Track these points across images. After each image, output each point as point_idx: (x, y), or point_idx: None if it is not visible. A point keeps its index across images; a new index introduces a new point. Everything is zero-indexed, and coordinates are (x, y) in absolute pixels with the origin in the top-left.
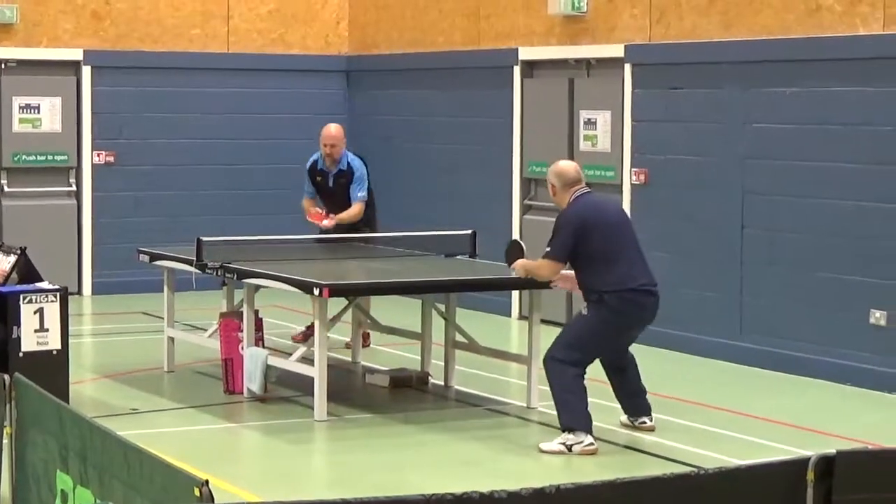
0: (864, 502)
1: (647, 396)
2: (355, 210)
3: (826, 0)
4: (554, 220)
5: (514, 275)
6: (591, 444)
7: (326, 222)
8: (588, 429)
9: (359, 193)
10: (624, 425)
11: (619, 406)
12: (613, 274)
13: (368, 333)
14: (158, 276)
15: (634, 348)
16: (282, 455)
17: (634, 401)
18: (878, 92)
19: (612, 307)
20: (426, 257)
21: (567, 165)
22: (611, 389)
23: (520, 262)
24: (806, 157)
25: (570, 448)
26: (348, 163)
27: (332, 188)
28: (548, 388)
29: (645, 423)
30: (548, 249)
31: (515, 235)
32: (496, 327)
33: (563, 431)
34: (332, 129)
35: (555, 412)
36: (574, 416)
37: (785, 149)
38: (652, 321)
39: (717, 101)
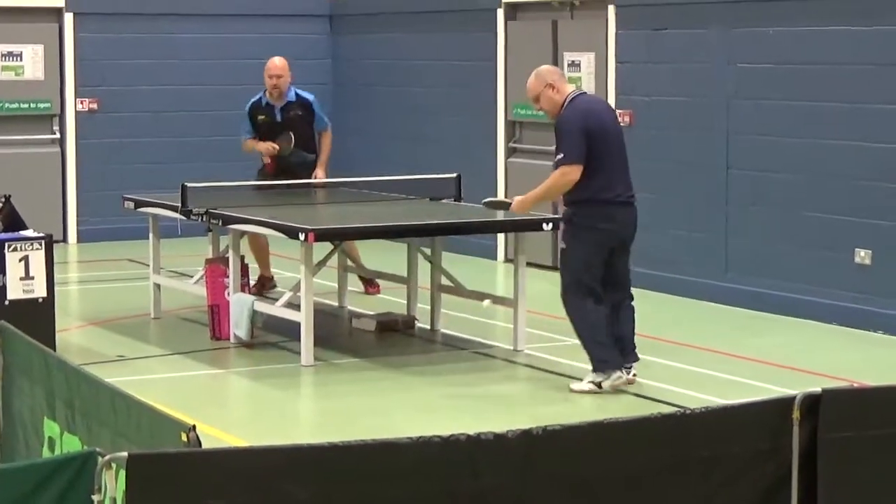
0: (850, 440)
1: (636, 350)
2: (329, 142)
3: None
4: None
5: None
6: (620, 377)
7: (318, 175)
8: (617, 365)
9: (326, 121)
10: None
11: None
12: (592, 184)
13: (371, 280)
14: (144, 222)
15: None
16: (269, 400)
17: (619, 345)
18: (863, 31)
19: (579, 224)
20: (411, 201)
21: (551, 67)
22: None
23: (518, 200)
24: (791, 97)
25: (599, 385)
26: (297, 93)
27: (280, 122)
28: (533, 331)
29: (620, 377)
30: (559, 157)
31: (500, 178)
32: (482, 270)
33: (593, 371)
34: (277, 61)
35: (549, 356)
36: (601, 354)
37: (770, 88)
38: (630, 233)
39: (701, 42)
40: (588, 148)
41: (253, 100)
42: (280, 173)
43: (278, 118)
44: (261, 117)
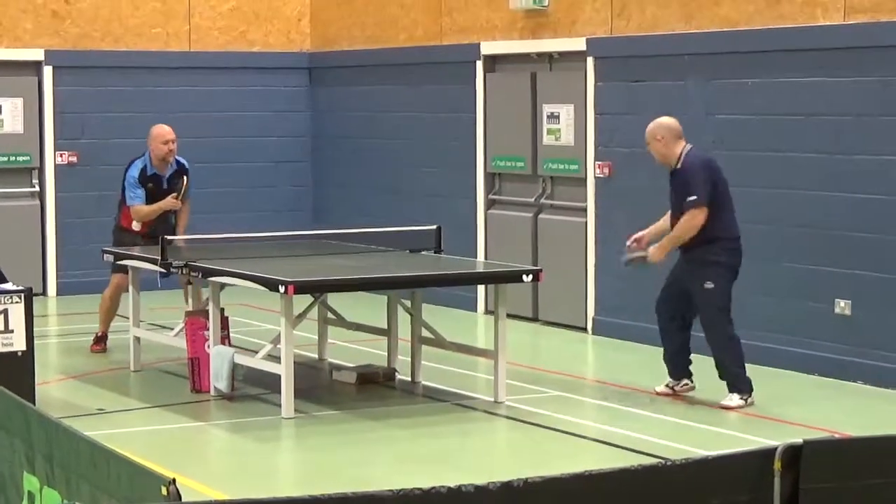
0: (832, 491)
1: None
2: (188, 211)
3: None
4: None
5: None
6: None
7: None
8: (751, 389)
9: (191, 191)
10: (659, 394)
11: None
12: (725, 220)
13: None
14: None
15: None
16: (249, 453)
17: (679, 359)
18: (840, 82)
19: (717, 261)
20: (391, 253)
21: (671, 119)
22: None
23: (653, 248)
24: (769, 148)
25: (747, 402)
26: (177, 160)
27: (166, 190)
28: (513, 382)
29: (687, 384)
30: (692, 198)
31: (480, 230)
32: (462, 322)
33: (737, 392)
34: (167, 127)
35: (529, 407)
36: (742, 379)
37: (748, 140)
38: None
39: (679, 93)
40: (711, 192)
41: (140, 167)
42: (149, 236)
43: (164, 186)
44: (150, 185)
